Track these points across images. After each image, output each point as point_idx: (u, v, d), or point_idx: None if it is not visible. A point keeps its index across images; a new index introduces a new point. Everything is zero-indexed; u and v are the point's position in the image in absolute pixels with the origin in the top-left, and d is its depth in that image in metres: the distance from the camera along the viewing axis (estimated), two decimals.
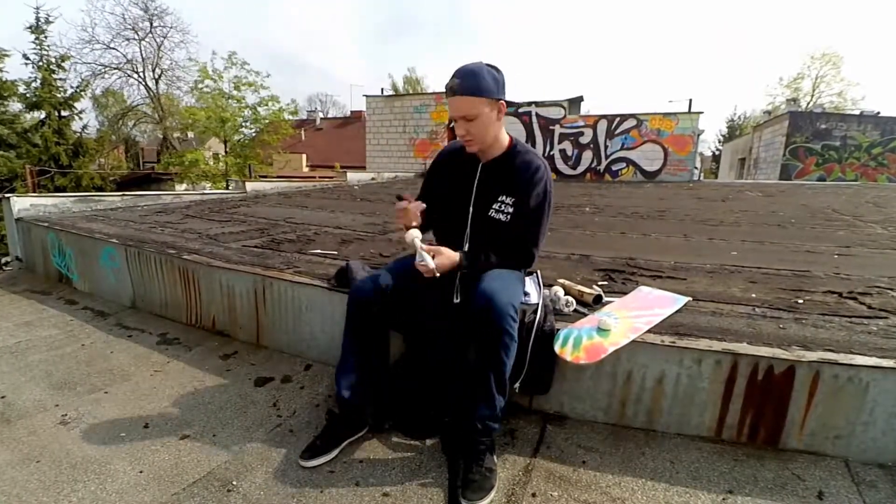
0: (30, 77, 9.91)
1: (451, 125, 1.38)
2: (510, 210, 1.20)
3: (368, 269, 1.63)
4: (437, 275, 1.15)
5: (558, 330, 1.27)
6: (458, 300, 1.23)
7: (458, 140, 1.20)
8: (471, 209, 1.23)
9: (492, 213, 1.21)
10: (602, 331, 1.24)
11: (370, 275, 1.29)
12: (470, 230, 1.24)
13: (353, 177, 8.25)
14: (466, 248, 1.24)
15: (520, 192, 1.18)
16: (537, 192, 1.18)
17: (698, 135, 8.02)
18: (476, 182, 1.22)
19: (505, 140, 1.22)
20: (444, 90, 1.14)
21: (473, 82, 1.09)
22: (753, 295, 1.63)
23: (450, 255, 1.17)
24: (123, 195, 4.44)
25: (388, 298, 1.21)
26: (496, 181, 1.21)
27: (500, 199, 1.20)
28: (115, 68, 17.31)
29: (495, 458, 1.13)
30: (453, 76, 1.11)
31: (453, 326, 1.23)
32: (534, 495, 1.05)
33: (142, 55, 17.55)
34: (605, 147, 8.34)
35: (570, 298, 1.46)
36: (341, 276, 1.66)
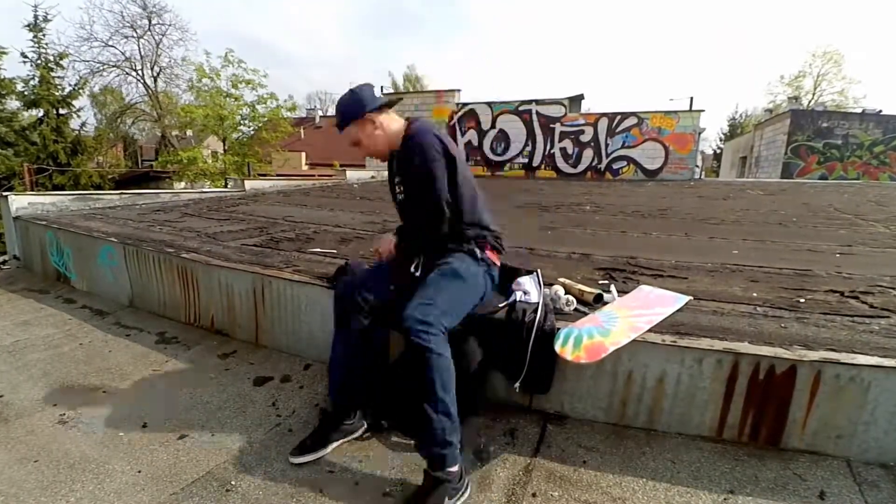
0: (28, 75, 9.87)
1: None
2: (402, 188, 1.33)
3: (367, 268, 1.62)
4: (383, 256, 1.33)
5: (559, 329, 1.27)
6: (418, 273, 1.29)
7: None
8: (396, 202, 1.39)
9: (398, 197, 1.35)
10: (604, 330, 1.23)
11: (358, 274, 1.36)
12: (403, 218, 1.39)
13: (352, 175, 8.21)
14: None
15: (404, 169, 1.31)
16: (415, 161, 1.23)
17: (699, 133, 7.98)
18: (392, 177, 1.37)
19: (401, 133, 1.29)
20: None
21: (338, 117, 1.27)
22: (755, 294, 1.63)
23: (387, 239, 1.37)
24: (122, 194, 4.42)
25: (374, 300, 1.22)
26: (393, 170, 1.36)
27: (396, 181, 1.34)
28: (113, 66, 17.23)
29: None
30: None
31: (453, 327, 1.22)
32: (534, 495, 1.04)
33: (140, 53, 17.47)
34: (606, 145, 8.30)
35: (571, 297, 1.45)
36: (341, 274, 1.65)
